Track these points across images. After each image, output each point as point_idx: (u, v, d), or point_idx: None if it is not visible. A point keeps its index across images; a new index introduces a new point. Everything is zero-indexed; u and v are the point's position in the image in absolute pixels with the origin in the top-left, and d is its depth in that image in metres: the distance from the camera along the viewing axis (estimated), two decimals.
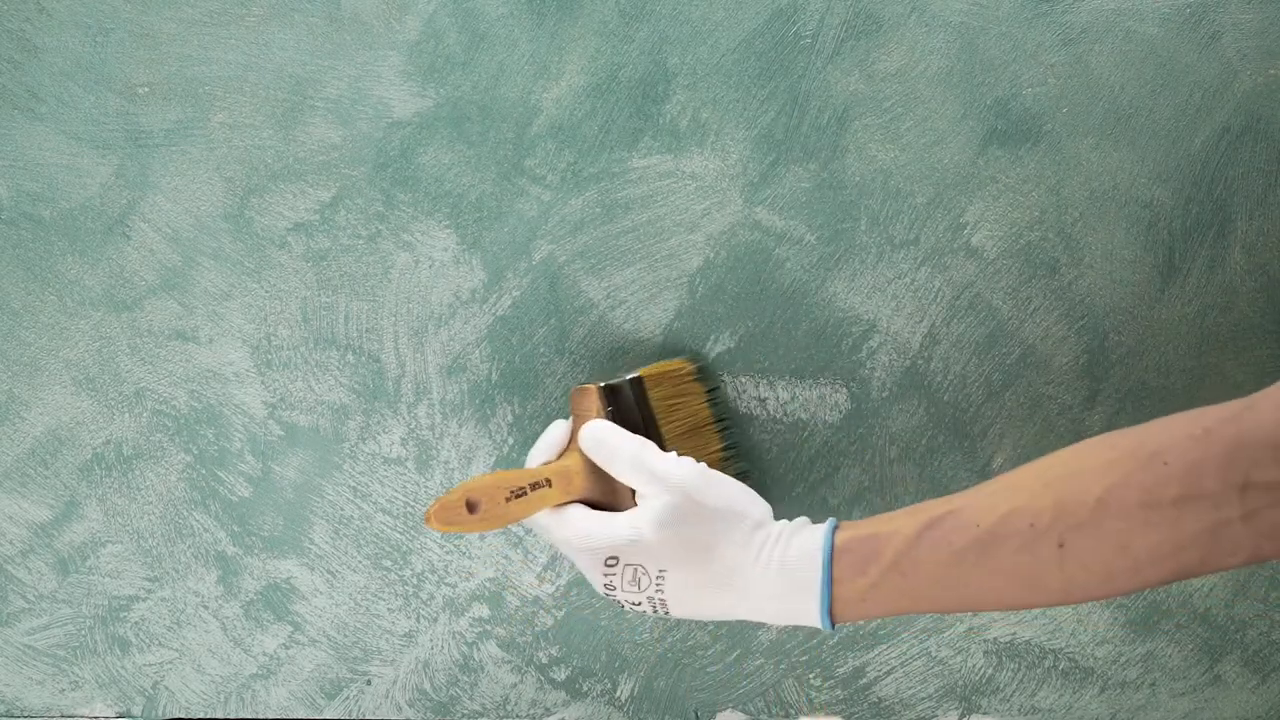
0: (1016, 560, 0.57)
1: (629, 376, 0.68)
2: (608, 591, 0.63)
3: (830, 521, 0.62)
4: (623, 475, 0.64)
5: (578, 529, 0.64)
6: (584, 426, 0.66)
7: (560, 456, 0.67)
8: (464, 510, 0.62)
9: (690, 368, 0.72)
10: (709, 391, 0.72)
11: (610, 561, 0.62)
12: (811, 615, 0.61)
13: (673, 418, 0.70)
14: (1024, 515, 0.57)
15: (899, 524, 0.60)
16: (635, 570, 0.62)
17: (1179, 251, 0.73)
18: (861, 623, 0.76)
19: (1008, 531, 0.57)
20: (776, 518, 0.65)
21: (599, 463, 0.65)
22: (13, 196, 0.74)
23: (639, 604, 0.63)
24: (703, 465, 0.65)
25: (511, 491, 0.63)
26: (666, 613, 0.63)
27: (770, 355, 0.74)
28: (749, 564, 0.62)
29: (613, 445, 0.65)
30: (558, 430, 0.68)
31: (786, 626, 0.75)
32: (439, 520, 0.62)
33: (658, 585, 0.62)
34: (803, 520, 0.64)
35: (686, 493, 0.63)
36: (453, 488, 0.68)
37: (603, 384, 0.67)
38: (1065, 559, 0.56)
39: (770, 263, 0.74)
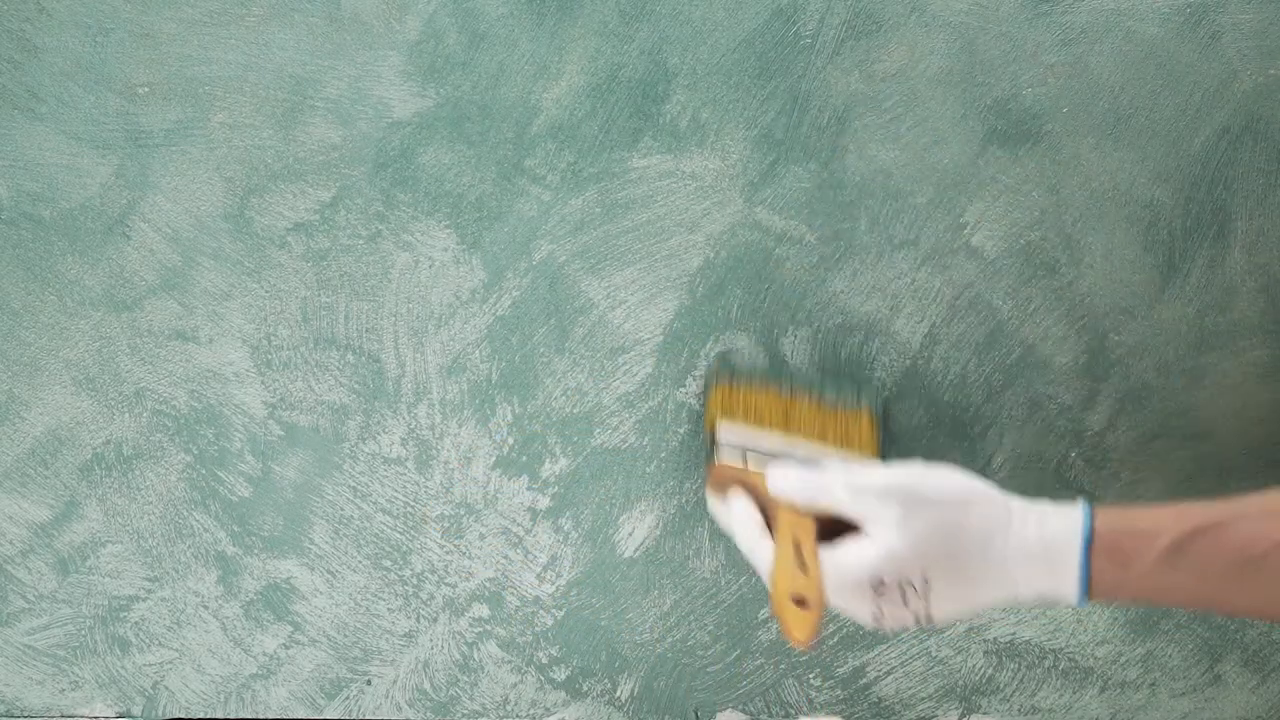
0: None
1: (719, 436, 0.68)
2: (875, 621, 0.62)
3: (1082, 503, 0.61)
4: (840, 506, 0.62)
5: (833, 570, 0.62)
6: (771, 484, 0.65)
7: (771, 532, 0.65)
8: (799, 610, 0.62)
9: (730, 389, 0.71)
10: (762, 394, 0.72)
11: (875, 586, 0.61)
12: (1069, 594, 0.60)
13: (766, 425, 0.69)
14: None
15: (1163, 524, 0.59)
16: (900, 585, 0.60)
17: (1179, 251, 0.73)
18: None
19: (1274, 561, 0.57)
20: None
21: (805, 506, 0.64)
22: (13, 196, 0.74)
23: (907, 626, 0.62)
24: (907, 464, 0.63)
25: (794, 595, 0.62)
26: (933, 624, 0.62)
27: (769, 354, 0.74)
28: (1003, 546, 0.60)
29: (816, 483, 0.63)
30: (747, 515, 0.66)
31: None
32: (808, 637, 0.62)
33: (923, 592, 0.61)
34: (1040, 502, 0.63)
35: (911, 492, 0.61)
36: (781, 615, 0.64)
37: (720, 458, 0.67)
38: None
39: (770, 262, 0.74)
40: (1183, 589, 0.59)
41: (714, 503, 0.68)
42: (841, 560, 0.61)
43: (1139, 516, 0.60)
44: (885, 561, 0.60)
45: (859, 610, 0.61)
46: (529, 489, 0.76)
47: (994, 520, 0.61)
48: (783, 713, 0.77)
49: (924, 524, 0.60)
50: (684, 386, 0.75)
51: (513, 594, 0.76)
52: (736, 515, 0.66)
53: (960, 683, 0.76)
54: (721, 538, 0.76)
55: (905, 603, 0.61)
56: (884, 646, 0.76)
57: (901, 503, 0.61)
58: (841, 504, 0.62)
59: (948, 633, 0.76)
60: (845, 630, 0.76)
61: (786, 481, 0.64)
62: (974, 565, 0.61)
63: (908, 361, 0.74)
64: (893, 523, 0.60)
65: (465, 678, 0.77)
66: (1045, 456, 0.75)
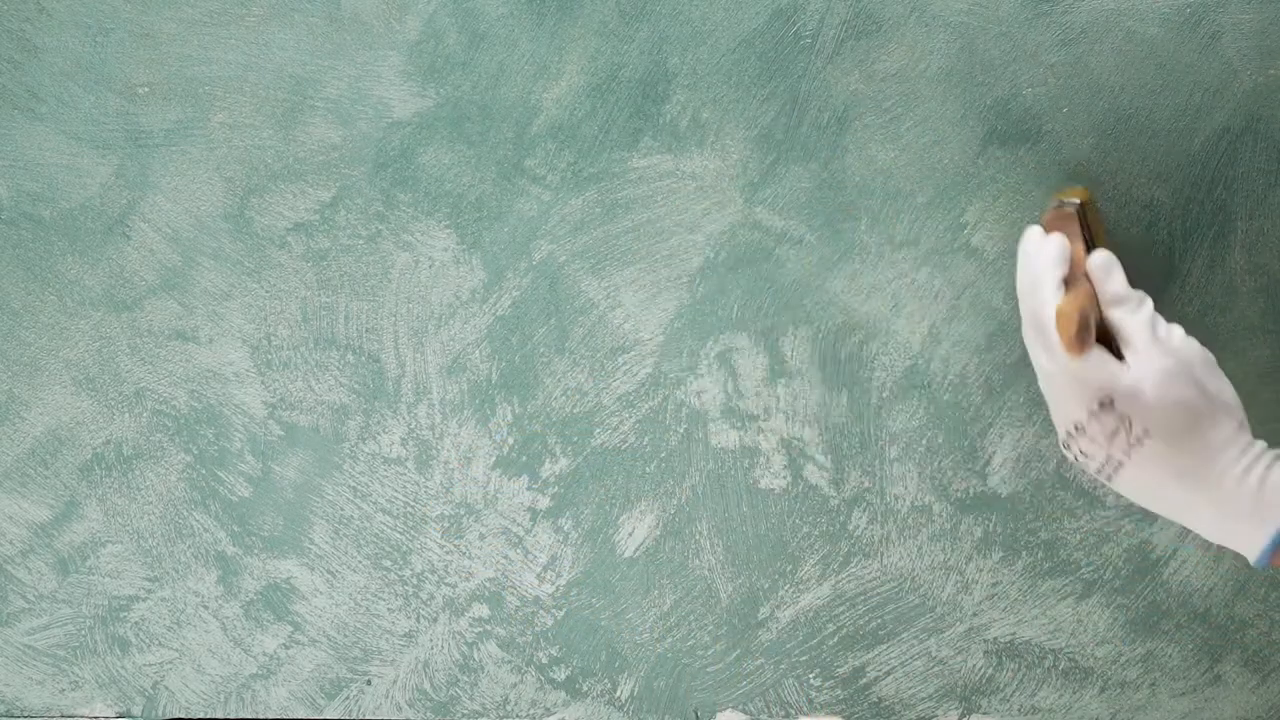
0: None
1: (1075, 201, 0.66)
2: (1070, 437, 0.61)
3: None
4: (1130, 327, 0.62)
5: (1080, 365, 0.61)
6: (1098, 258, 0.63)
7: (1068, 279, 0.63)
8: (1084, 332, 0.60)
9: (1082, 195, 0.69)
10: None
11: (1103, 402, 0.60)
12: (1255, 545, 0.59)
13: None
14: None
15: None
16: (1121, 418, 0.60)
17: (1179, 251, 0.73)
18: (864, 622, 0.76)
19: None
20: None
21: (1105, 300, 0.62)
22: (13, 196, 0.74)
23: (1091, 460, 0.61)
24: (1205, 349, 0.63)
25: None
26: (1110, 479, 0.61)
27: (769, 354, 0.74)
28: (1231, 463, 0.60)
29: (1125, 295, 0.62)
30: (1060, 245, 0.64)
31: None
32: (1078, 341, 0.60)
33: (1132, 446, 0.60)
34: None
35: (1191, 366, 0.61)
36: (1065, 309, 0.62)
37: (1077, 204, 0.65)
38: None
39: (770, 262, 0.74)
40: None
41: (1033, 235, 0.66)
42: (1093, 359, 0.60)
43: None
44: (1129, 390, 0.60)
45: (1066, 411, 0.60)
46: (529, 489, 0.76)
47: (1239, 441, 0.61)
48: (783, 713, 0.77)
49: (1182, 394, 0.60)
50: (684, 386, 0.75)
51: (513, 594, 0.76)
52: (1050, 247, 0.64)
53: (960, 683, 0.76)
54: (722, 536, 0.76)
55: (1111, 438, 0.60)
56: (884, 646, 0.76)
57: (1181, 366, 0.61)
58: (1131, 328, 0.62)
59: (947, 633, 0.76)
60: (845, 630, 0.76)
61: (1114, 275, 0.63)
62: (1195, 456, 0.60)
63: (908, 361, 0.74)
64: (1160, 370, 0.60)
65: (465, 678, 0.77)
66: (1045, 456, 0.75)
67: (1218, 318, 0.73)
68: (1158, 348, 0.61)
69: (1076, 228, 0.65)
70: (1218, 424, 0.61)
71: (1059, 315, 0.60)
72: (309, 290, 0.74)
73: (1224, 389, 0.62)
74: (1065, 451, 0.63)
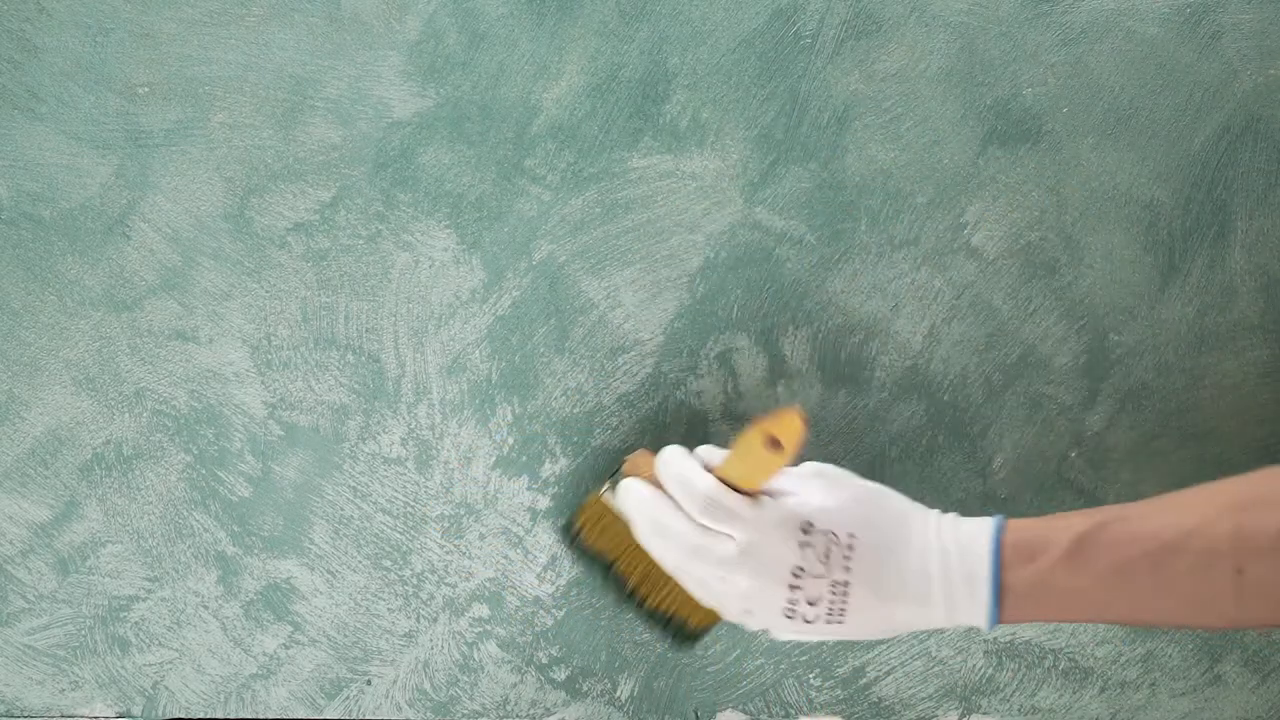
0: (1190, 581, 0.57)
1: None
2: (792, 594, 0.61)
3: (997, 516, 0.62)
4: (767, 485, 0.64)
5: (763, 509, 0.62)
6: (672, 451, 0.65)
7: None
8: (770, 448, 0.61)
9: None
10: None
11: (805, 528, 0.61)
12: (980, 592, 0.60)
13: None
14: (1201, 538, 0.57)
15: (1070, 521, 0.60)
16: (827, 536, 0.61)
17: (1179, 251, 0.73)
18: None
19: (1184, 550, 0.57)
20: None
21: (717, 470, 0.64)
22: (13, 196, 0.74)
23: (818, 604, 0.61)
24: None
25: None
26: (842, 614, 0.61)
27: (769, 354, 0.74)
28: (922, 525, 0.62)
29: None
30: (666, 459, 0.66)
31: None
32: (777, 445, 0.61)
33: (848, 557, 0.61)
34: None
35: (830, 474, 0.64)
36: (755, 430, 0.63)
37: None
38: (1243, 586, 0.57)
39: (770, 262, 0.74)
40: (1092, 590, 0.59)
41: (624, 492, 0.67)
42: (769, 503, 0.62)
43: (1049, 519, 0.62)
44: (817, 510, 0.62)
45: (781, 562, 0.61)
46: (529, 489, 0.76)
47: (911, 507, 0.63)
48: (783, 713, 0.77)
49: (849, 493, 0.63)
50: (684, 386, 0.75)
51: (513, 594, 0.76)
52: (669, 464, 0.65)
53: (960, 683, 0.76)
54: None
55: (827, 559, 0.61)
56: (884, 646, 0.76)
57: (823, 478, 0.64)
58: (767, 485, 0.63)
59: (947, 633, 0.76)
60: None
61: (696, 455, 0.65)
62: (896, 536, 0.62)
63: (908, 361, 0.74)
64: (818, 489, 0.63)
65: (465, 678, 0.77)
66: (1045, 456, 0.75)
67: (1218, 318, 0.73)
68: (801, 472, 0.64)
69: (649, 458, 0.67)
70: (889, 498, 0.63)
71: (746, 445, 0.61)
72: (309, 290, 0.74)
73: (860, 478, 0.65)
74: (789, 625, 0.63)
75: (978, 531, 0.61)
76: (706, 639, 0.74)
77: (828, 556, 0.61)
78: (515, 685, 0.77)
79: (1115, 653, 0.76)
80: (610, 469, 0.71)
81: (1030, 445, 0.75)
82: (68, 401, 0.75)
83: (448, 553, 0.76)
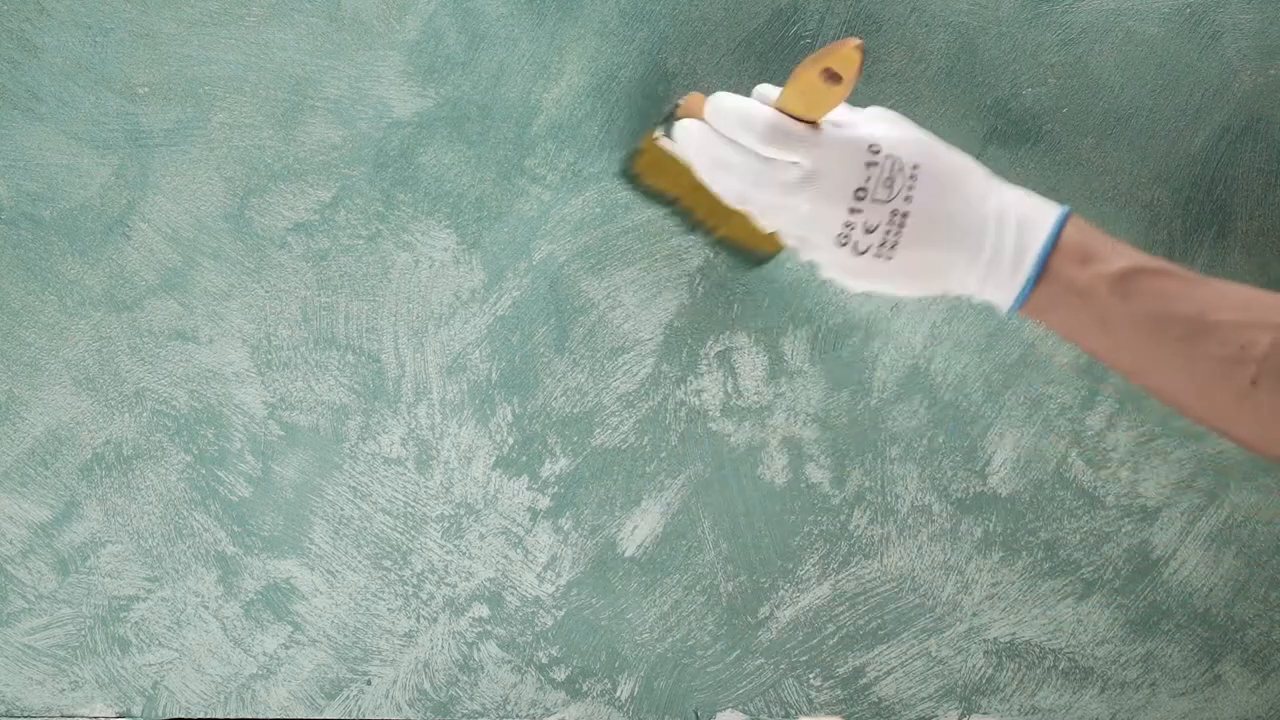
0: (1209, 365, 0.57)
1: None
2: (851, 215, 0.60)
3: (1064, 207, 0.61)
4: (840, 115, 0.62)
5: (832, 128, 0.61)
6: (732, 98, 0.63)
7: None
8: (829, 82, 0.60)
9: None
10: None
11: (873, 150, 0.60)
12: (1016, 278, 0.59)
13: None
14: (1239, 333, 0.57)
15: (1131, 252, 0.60)
16: (892, 162, 0.60)
17: (1179, 251, 0.73)
18: (864, 622, 0.76)
19: (1218, 334, 0.57)
20: None
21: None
22: (13, 196, 0.74)
23: (876, 229, 0.60)
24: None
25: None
26: (895, 244, 0.60)
27: (769, 353, 0.74)
28: (985, 182, 0.61)
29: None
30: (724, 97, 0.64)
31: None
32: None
33: (910, 181, 0.60)
34: None
35: (895, 115, 0.63)
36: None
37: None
38: (1254, 398, 0.57)
39: (770, 262, 0.74)
40: (1121, 325, 0.58)
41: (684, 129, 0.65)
42: (843, 120, 0.61)
43: (1114, 241, 0.61)
44: (884, 136, 0.60)
45: (846, 179, 0.60)
46: (529, 489, 0.76)
47: (979, 165, 0.62)
48: (783, 713, 0.77)
49: (916, 130, 0.62)
50: (684, 386, 0.75)
51: (513, 594, 0.76)
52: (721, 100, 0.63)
53: (960, 683, 0.76)
54: (723, 535, 0.76)
55: (891, 186, 0.60)
56: (884, 646, 0.76)
57: (889, 115, 0.62)
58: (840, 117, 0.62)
59: (947, 633, 0.76)
60: (845, 630, 0.76)
61: (757, 93, 0.64)
62: (960, 179, 0.61)
63: (909, 361, 0.74)
64: (885, 121, 0.62)
65: (465, 678, 0.77)
66: (1045, 456, 0.75)
67: None
68: (867, 111, 0.63)
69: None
70: (955, 149, 0.62)
71: (803, 78, 0.59)
72: (309, 290, 0.74)
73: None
74: (838, 255, 0.61)
75: (1044, 210, 0.60)
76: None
77: (892, 182, 0.60)
78: (515, 685, 0.77)
79: (1115, 653, 0.76)
80: (663, 112, 0.69)
81: (1030, 445, 0.75)
82: (68, 401, 0.75)
83: (448, 553, 0.76)
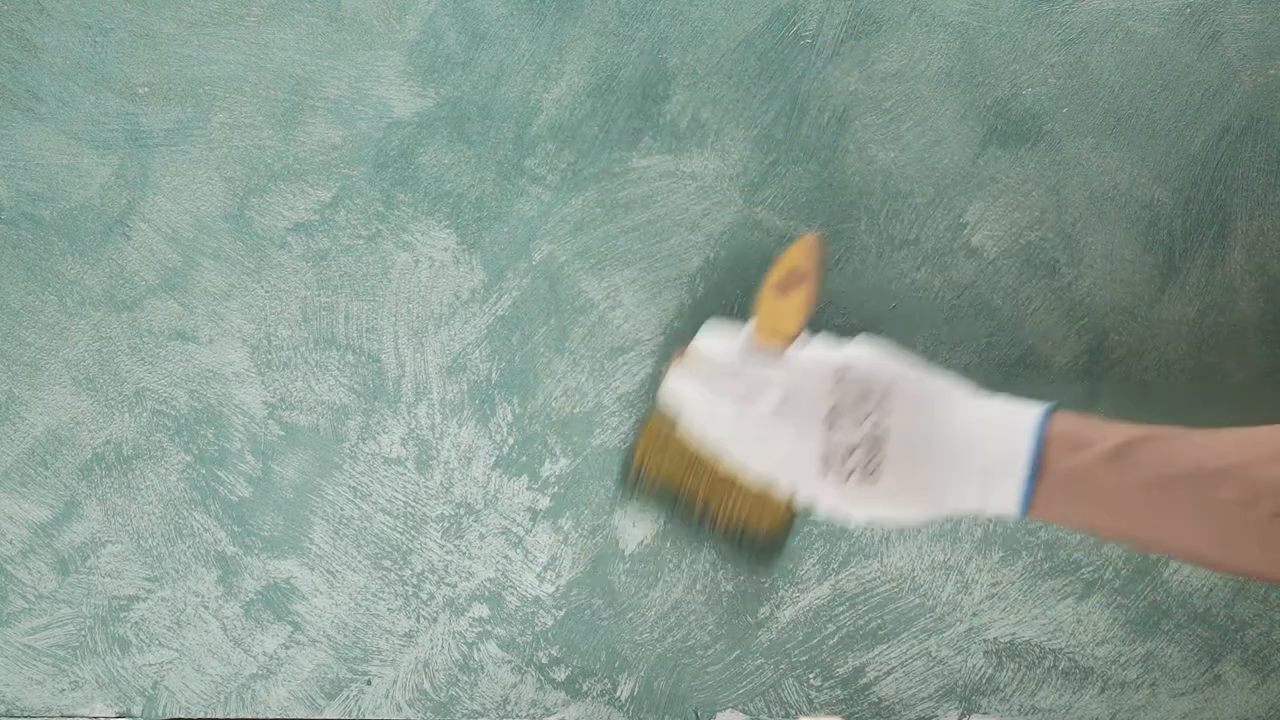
0: (1226, 514, 0.56)
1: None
2: (830, 450, 0.61)
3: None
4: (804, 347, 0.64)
5: (799, 358, 0.62)
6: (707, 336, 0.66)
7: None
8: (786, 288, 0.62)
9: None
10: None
11: (838, 374, 0.61)
12: (1017, 469, 0.59)
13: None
14: (1246, 475, 0.56)
15: (1120, 426, 0.59)
16: (862, 384, 0.61)
17: (1179, 251, 0.73)
18: (864, 622, 0.76)
19: (1227, 482, 0.56)
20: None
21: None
22: (13, 196, 0.74)
23: (856, 454, 0.61)
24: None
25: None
26: (876, 470, 0.61)
27: None
28: (964, 402, 0.61)
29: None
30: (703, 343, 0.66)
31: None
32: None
33: (881, 406, 0.60)
34: None
35: (876, 349, 0.63)
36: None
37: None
38: (1276, 532, 0.56)
39: (771, 262, 0.74)
40: (1128, 498, 0.58)
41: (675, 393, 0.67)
42: (810, 352, 0.63)
43: (1100, 421, 0.60)
44: (852, 356, 0.62)
45: (814, 411, 0.61)
46: (529, 489, 0.76)
47: (954, 380, 0.63)
48: (783, 713, 0.77)
49: (886, 353, 0.62)
50: None
51: (513, 594, 0.76)
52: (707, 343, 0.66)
53: (960, 683, 0.76)
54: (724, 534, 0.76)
55: (864, 403, 0.60)
56: (884, 646, 0.76)
57: (860, 341, 0.64)
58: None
59: (947, 633, 0.76)
60: (845, 630, 0.76)
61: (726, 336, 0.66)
62: (935, 396, 0.61)
63: None
64: (855, 344, 0.63)
65: (465, 678, 0.77)
66: None
67: (1218, 318, 0.73)
68: (827, 344, 0.64)
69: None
70: (929, 368, 0.63)
71: (760, 304, 0.63)
72: (309, 290, 0.74)
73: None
74: (825, 485, 0.62)
75: (1025, 412, 0.60)
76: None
77: (865, 399, 0.60)
78: (515, 685, 0.77)
79: (1115, 653, 0.76)
80: (649, 404, 0.73)
81: None
82: (68, 401, 0.75)
83: (448, 553, 0.76)
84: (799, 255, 0.61)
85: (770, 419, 0.61)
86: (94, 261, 0.74)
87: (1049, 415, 0.60)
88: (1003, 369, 0.74)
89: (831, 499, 0.62)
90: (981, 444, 0.60)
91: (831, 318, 0.74)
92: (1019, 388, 0.74)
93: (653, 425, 0.71)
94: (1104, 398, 0.74)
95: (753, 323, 0.64)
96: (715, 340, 0.65)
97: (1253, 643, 0.76)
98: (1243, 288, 0.73)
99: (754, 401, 0.62)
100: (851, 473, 0.61)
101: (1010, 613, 0.76)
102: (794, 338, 0.63)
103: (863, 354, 0.62)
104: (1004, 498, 0.59)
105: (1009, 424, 0.60)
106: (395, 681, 0.77)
